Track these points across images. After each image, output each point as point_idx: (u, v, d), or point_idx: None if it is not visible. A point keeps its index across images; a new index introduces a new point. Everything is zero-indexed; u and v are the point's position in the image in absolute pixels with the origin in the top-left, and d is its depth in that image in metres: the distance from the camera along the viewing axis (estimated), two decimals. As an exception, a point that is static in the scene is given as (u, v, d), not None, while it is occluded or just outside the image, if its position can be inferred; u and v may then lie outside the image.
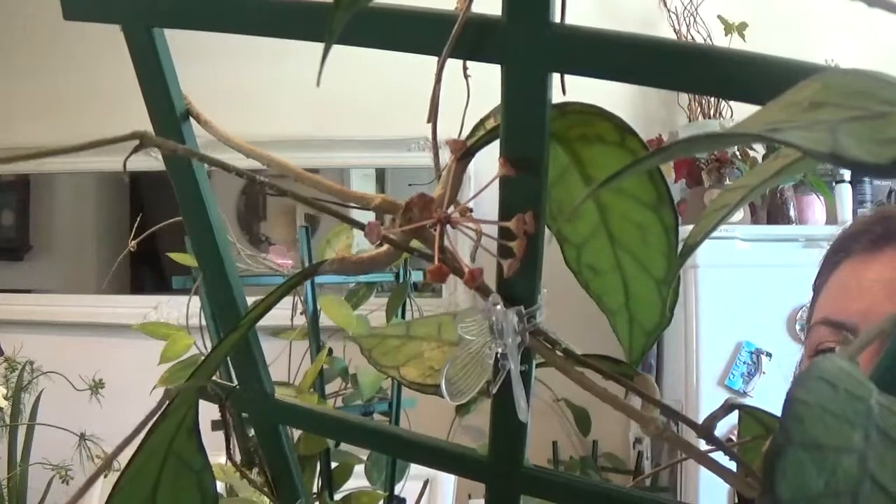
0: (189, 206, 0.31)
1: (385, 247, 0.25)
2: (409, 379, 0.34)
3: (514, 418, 0.27)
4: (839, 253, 0.82)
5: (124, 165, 0.26)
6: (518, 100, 0.25)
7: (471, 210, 0.25)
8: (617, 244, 0.30)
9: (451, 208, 0.25)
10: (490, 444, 0.29)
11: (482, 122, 0.27)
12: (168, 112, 0.30)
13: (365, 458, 0.99)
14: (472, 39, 0.25)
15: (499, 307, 0.25)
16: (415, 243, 0.26)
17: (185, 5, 0.29)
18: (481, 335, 0.25)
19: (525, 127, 0.25)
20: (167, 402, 0.26)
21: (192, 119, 0.31)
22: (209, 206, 0.31)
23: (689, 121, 2.56)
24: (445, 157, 0.28)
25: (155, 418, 0.27)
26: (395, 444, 0.34)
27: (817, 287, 0.85)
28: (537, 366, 0.28)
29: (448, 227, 0.24)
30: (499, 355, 0.26)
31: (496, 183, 0.27)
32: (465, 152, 0.26)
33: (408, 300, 1.16)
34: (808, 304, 0.87)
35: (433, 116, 0.26)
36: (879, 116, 0.16)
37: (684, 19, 2.58)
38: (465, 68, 0.26)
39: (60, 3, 0.30)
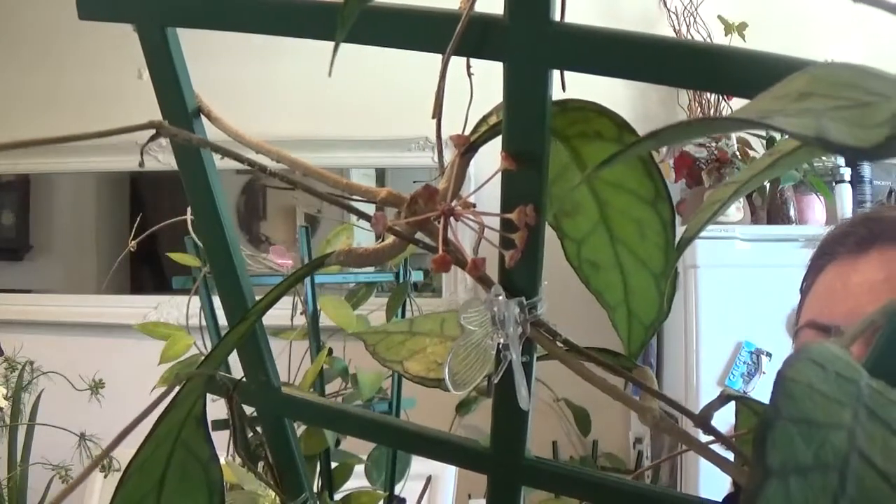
0: (199, 198, 0.32)
1: (390, 239, 0.26)
2: (413, 373, 0.35)
3: (516, 408, 0.27)
4: (824, 256, 0.82)
5: (141, 153, 0.27)
6: (520, 96, 0.25)
7: (473, 205, 0.25)
8: (616, 239, 0.31)
9: (455, 202, 0.25)
10: (492, 434, 0.30)
11: (485, 118, 0.27)
12: (180, 108, 0.31)
13: (365, 457, 0.99)
14: (475, 38, 0.25)
15: (501, 298, 0.26)
16: (419, 236, 0.26)
17: (196, 5, 0.29)
18: (483, 326, 0.26)
19: (526, 122, 0.25)
20: (176, 391, 0.26)
21: (202, 116, 0.32)
22: (218, 198, 0.31)
23: (689, 121, 2.56)
24: (447, 155, 0.28)
25: (163, 408, 0.27)
26: (399, 436, 0.34)
27: (804, 290, 0.84)
28: (538, 359, 0.29)
29: (451, 220, 0.25)
30: (500, 346, 0.26)
31: (495, 180, 0.27)
32: (468, 147, 0.26)
33: (408, 300, 1.16)
34: (796, 307, 0.86)
35: (437, 113, 0.27)
36: (864, 105, 0.17)
37: (684, 19, 2.58)
38: (468, 66, 0.26)
39: (76, 3, 0.30)
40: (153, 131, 0.26)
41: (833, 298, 0.77)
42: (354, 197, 0.27)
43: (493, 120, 0.27)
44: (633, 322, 0.32)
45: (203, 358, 0.27)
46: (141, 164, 0.30)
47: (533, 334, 0.26)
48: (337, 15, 0.24)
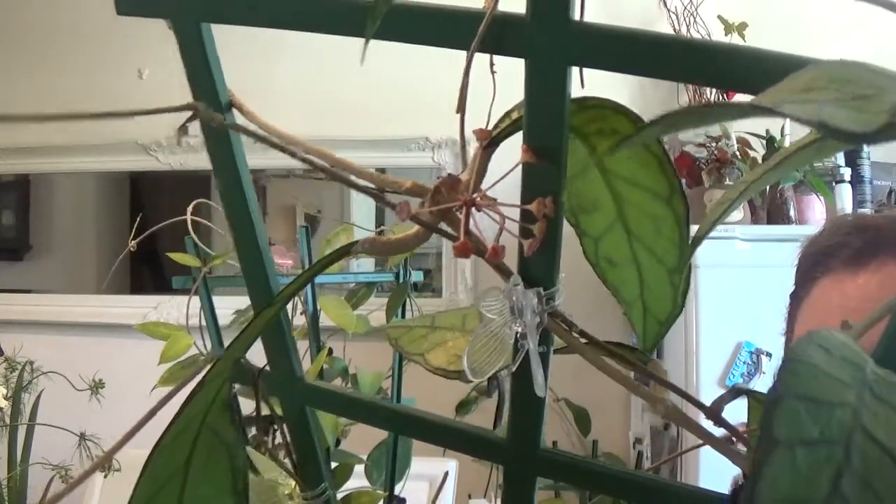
0: (228, 184, 0.33)
1: (414, 228, 0.27)
2: (434, 365, 0.36)
3: (534, 397, 0.28)
4: (817, 268, 0.79)
5: (178, 132, 0.28)
6: (540, 92, 0.27)
7: (494, 199, 0.26)
8: (633, 236, 0.32)
9: (476, 194, 0.26)
10: (509, 424, 0.31)
11: (508, 114, 0.29)
12: (214, 101, 0.32)
13: (365, 458, 0.99)
14: (498, 35, 0.27)
15: (519, 287, 0.26)
16: (441, 226, 0.27)
17: (233, 1, 0.30)
18: (502, 314, 0.27)
19: (546, 117, 0.27)
20: (204, 373, 0.27)
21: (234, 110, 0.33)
22: (246, 185, 0.33)
23: (689, 121, 2.56)
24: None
25: (191, 391, 0.27)
26: (418, 425, 0.35)
27: (797, 300, 0.82)
28: (556, 352, 0.29)
29: (473, 212, 0.26)
30: (518, 335, 0.27)
31: (510, 176, 0.28)
32: (490, 141, 0.27)
33: (408, 300, 1.16)
34: (786, 314, 0.84)
35: (461, 108, 0.28)
36: (865, 97, 0.17)
37: (684, 19, 2.59)
38: (491, 64, 0.28)
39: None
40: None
41: (829, 314, 0.74)
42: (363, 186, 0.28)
43: (515, 115, 0.28)
44: (648, 317, 0.33)
45: (233, 339, 0.28)
46: (178, 141, 0.31)
47: (550, 325, 0.27)
48: (367, 12, 0.25)
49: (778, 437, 0.18)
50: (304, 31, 0.29)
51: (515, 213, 0.27)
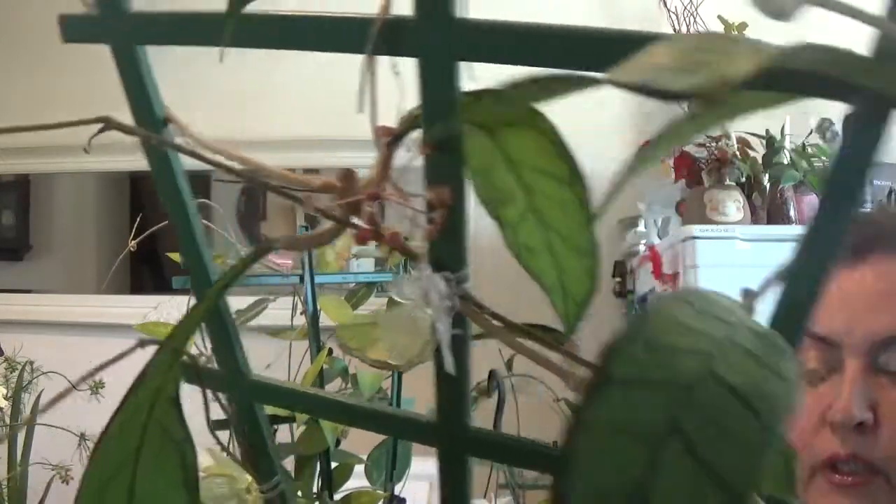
0: (165, 187, 0.36)
1: (328, 224, 0.28)
2: (373, 357, 0.37)
3: (456, 379, 0.29)
4: None
5: (88, 142, 0.31)
6: (432, 89, 0.28)
7: (402, 192, 0.28)
8: (544, 223, 0.33)
9: (385, 187, 0.28)
10: (436, 406, 0.32)
11: (412, 111, 0.30)
12: (150, 116, 0.35)
13: (365, 458, 0.99)
14: (393, 37, 0.29)
15: (426, 272, 0.28)
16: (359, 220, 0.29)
17: (163, 26, 0.34)
18: (412, 299, 0.28)
19: (439, 112, 0.28)
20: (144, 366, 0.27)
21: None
22: (182, 187, 0.36)
23: (689, 120, 2.56)
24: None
25: (132, 384, 0.28)
26: (351, 413, 0.37)
27: None
28: (477, 337, 0.31)
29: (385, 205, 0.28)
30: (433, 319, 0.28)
31: None
32: (393, 139, 0.29)
33: (408, 300, 1.16)
34: None
35: (371, 109, 0.30)
36: (699, 63, 0.18)
37: (684, 19, 2.59)
38: (393, 65, 0.30)
39: (60, 29, 0.34)
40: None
41: (829, 308, 0.75)
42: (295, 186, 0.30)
43: (417, 112, 0.29)
44: (568, 301, 0.34)
45: (169, 334, 0.29)
46: (86, 150, 0.35)
47: (462, 308, 0.28)
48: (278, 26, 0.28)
49: (612, 374, 0.18)
50: (215, 46, 0.31)
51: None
